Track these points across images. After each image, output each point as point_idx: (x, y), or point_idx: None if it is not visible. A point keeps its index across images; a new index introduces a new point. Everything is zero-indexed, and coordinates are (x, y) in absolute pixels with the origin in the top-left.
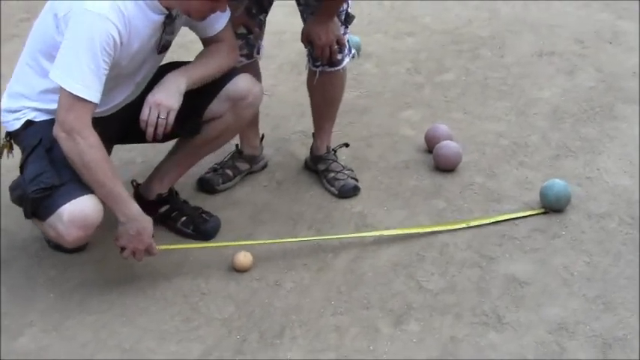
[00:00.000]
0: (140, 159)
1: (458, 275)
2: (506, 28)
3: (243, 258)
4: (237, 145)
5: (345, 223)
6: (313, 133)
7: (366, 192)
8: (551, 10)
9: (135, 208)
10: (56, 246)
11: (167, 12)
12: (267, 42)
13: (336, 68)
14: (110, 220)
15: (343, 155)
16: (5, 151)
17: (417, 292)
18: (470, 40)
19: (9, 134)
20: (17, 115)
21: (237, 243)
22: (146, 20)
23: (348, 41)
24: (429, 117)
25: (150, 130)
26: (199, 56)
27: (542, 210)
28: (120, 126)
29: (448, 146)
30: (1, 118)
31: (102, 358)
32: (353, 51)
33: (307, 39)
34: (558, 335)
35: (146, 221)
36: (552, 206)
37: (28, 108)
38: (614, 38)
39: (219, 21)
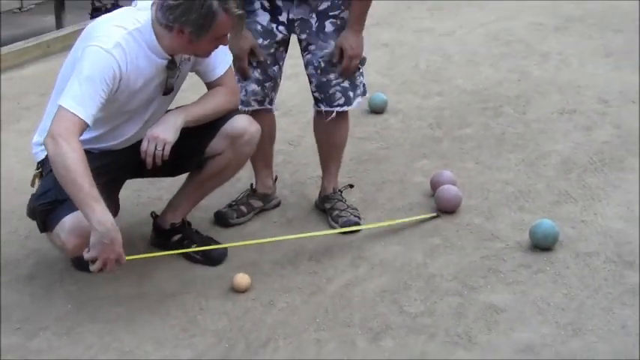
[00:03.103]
0: (166, 196)
1: (439, 302)
2: (534, 88)
3: (241, 279)
4: (251, 185)
5: (342, 255)
6: (322, 177)
7: (367, 230)
8: (582, 72)
9: (109, 216)
10: (79, 265)
11: (170, 57)
12: (302, 98)
13: (348, 108)
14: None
15: (353, 197)
16: (37, 180)
17: (397, 315)
18: (495, 99)
19: (39, 164)
20: (43, 147)
21: (221, 246)
22: (149, 62)
23: (364, 84)
24: (442, 166)
25: (149, 160)
26: (200, 97)
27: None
28: (133, 160)
29: (448, 189)
30: (33, 150)
31: (102, 359)
32: (362, 96)
33: (340, 51)
34: (524, 355)
35: (117, 232)
36: (540, 244)
37: None
38: None
39: (220, 66)
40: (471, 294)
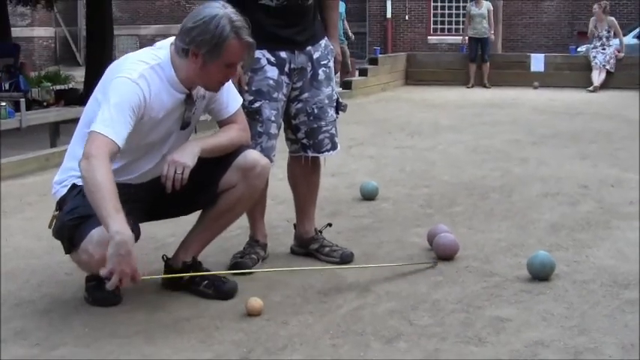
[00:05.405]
0: (173, 239)
1: (446, 317)
2: (517, 181)
3: (255, 302)
4: (251, 236)
5: (349, 289)
6: (295, 224)
7: (370, 272)
8: (561, 169)
9: (128, 229)
10: (94, 301)
11: (188, 92)
12: None
13: (334, 152)
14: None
15: (353, 252)
16: (55, 221)
17: (408, 326)
18: (481, 188)
19: (58, 204)
20: (64, 183)
21: (227, 272)
22: (169, 95)
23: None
24: None
25: (169, 184)
26: (214, 132)
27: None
28: (149, 195)
29: (446, 236)
30: (52, 190)
31: None
32: (338, 148)
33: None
34: (534, 347)
35: (133, 245)
36: (538, 273)
37: (73, 176)
38: (617, 183)
39: (231, 105)
40: (476, 311)
